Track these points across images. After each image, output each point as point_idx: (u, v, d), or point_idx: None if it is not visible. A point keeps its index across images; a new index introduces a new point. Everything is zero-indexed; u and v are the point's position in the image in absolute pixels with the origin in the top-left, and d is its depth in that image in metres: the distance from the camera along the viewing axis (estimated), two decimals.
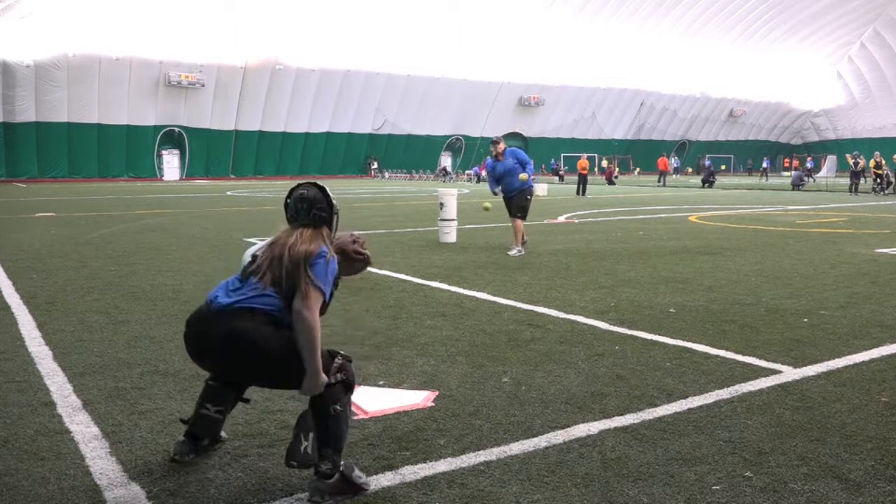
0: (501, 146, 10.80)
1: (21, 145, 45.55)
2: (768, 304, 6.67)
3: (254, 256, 3.15)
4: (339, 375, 3.00)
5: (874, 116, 72.48)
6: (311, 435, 2.90)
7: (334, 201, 3.20)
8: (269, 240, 3.17)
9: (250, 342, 2.89)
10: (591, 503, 2.84)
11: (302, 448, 2.88)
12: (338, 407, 2.96)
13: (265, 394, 4.10)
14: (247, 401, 3.40)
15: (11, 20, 41.84)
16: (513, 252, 10.23)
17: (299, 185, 3.21)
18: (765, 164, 59.15)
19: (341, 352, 3.11)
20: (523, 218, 10.53)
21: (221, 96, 51.57)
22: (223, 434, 3.42)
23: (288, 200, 3.19)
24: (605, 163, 50.05)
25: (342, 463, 2.93)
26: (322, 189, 3.18)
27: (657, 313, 6.28)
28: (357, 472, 2.96)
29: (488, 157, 10.77)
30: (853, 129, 75.01)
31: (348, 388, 3.03)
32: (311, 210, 3.12)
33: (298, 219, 3.12)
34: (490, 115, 62.93)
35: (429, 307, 6.58)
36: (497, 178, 10.75)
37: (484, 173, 48.84)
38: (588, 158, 32.60)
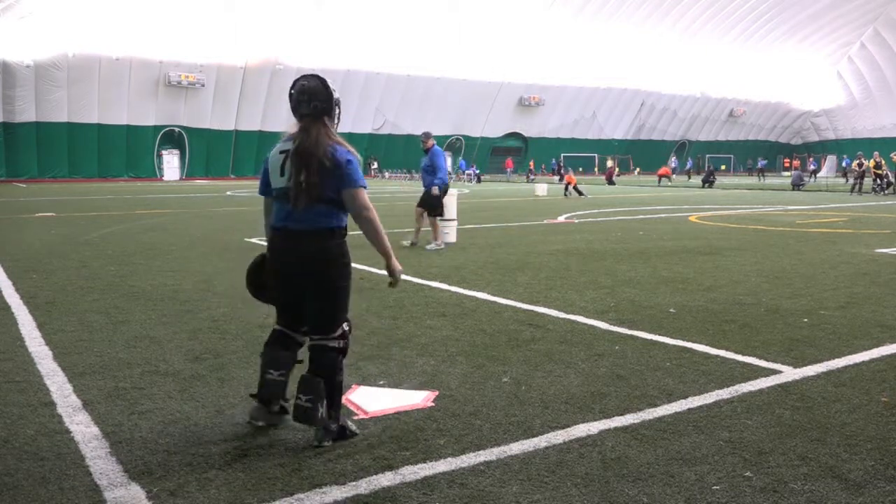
0: (429, 143, 11.34)
1: (21, 145, 45.49)
2: (768, 304, 6.67)
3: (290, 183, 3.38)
4: (341, 342, 3.47)
5: (874, 116, 72.42)
6: (324, 402, 3.36)
7: (335, 93, 3.45)
8: (285, 155, 3.42)
9: (335, 265, 3.47)
10: (591, 503, 2.84)
11: (319, 415, 3.34)
12: (341, 378, 3.49)
13: None
14: (300, 361, 3.66)
15: (11, 20, 41.81)
16: (430, 246, 11.03)
17: (302, 77, 3.48)
18: (760, 164, 58.80)
19: (349, 319, 3.55)
20: (430, 213, 11.19)
21: (221, 96, 51.53)
22: (288, 406, 3.63)
23: (291, 91, 3.44)
24: (609, 162, 49.97)
25: (341, 417, 3.48)
26: (322, 80, 3.44)
27: (657, 313, 6.28)
28: (350, 422, 3.54)
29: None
30: (853, 129, 74.96)
31: (345, 355, 3.53)
32: (311, 101, 3.39)
33: (300, 109, 3.41)
34: (490, 115, 62.94)
35: (429, 307, 6.58)
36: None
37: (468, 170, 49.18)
38: (576, 173, 32.97)
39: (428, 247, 11.03)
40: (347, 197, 3.37)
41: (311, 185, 3.30)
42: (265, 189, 3.56)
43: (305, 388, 3.36)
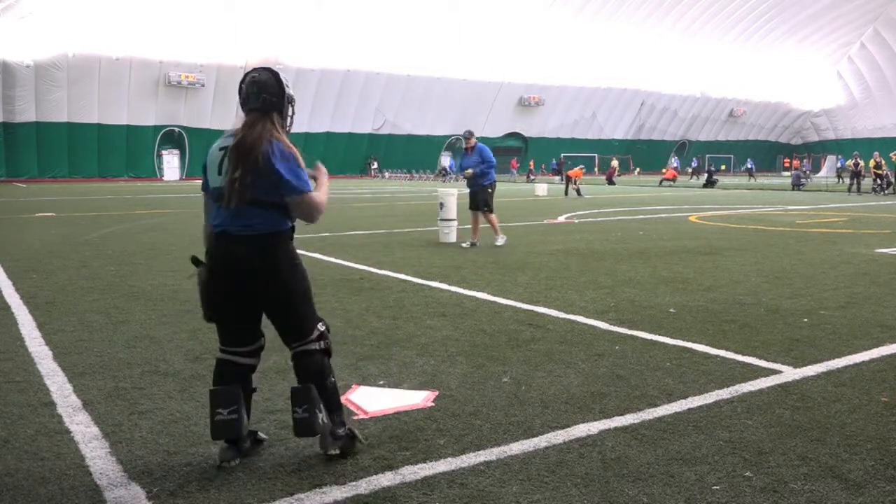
0: (472, 141, 11.45)
1: (21, 145, 45.49)
2: (768, 304, 6.67)
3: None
4: (321, 343, 3.29)
5: (874, 116, 72.41)
6: (322, 407, 3.18)
7: (287, 88, 3.19)
8: (225, 150, 3.15)
9: (282, 271, 3.18)
10: (591, 503, 2.84)
11: (320, 421, 3.15)
12: (332, 379, 3.32)
13: (265, 394, 4.10)
14: (254, 389, 3.42)
15: (11, 20, 41.81)
16: (499, 241, 11.21)
17: (254, 69, 3.22)
18: (749, 164, 58.64)
19: (322, 319, 3.38)
20: (490, 211, 11.35)
21: (221, 96, 51.49)
22: (261, 434, 3.44)
23: (241, 85, 3.19)
24: (615, 162, 50.06)
25: (348, 422, 3.33)
26: (275, 74, 3.18)
27: (657, 313, 6.28)
28: (356, 429, 3.36)
29: (462, 148, 11.59)
30: (853, 129, 74.96)
31: (329, 356, 3.34)
32: (260, 94, 3.12)
33: (249, 103, 3.14)
34: (490, 115, 62.93)
35: (429, 307, 6.58)
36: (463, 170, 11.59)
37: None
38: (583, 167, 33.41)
39: (498, 242, 11.15)
40: (293, 204, 3.11)
41: (244, 185, 3.01)
42: (206, 186, 3.31)
43: (298, 398, 3.15)
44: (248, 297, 3.20)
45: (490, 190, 11.32)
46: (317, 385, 3.19)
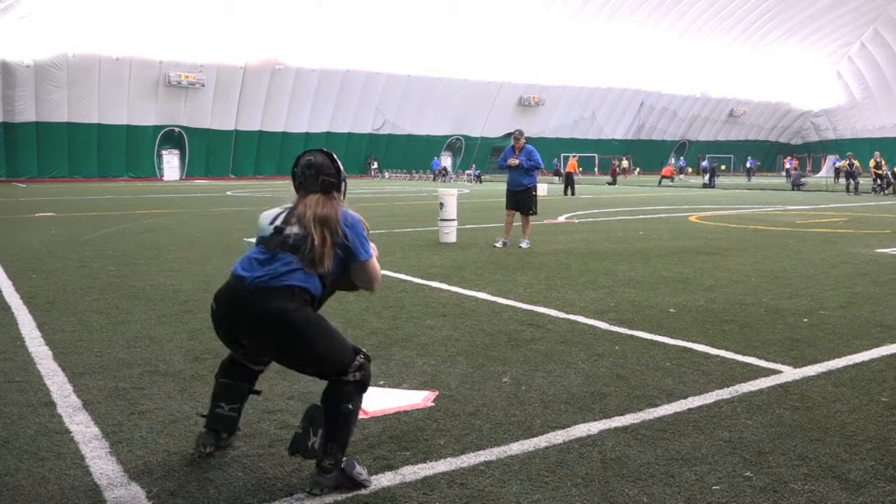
0: (522, 141, 11.41)
1: (21, 145, 45.54)
2: (768, 304, 6.67)
3: (277, 229, 3.05)
4: (357, 374, 3.00)
5: (874, 116, 72.47)
6: (319, 431, 2.91)
7: (342, 167, 3.22)
8: (285, 209, 3.12)
9: (290, 321, 2.88)
10: (591, 503, 2.84)
11: (310, 443, 2.89)
12: (350, 406, 2.97)
13: (265, 394, 4.10)
14: (258, 392, 3.38)
15: (11, 20, 41.83)
16: (525, 244, 11.13)
17: (306, 152, 3.22)
18: (749, 164, 58.75)
19: (363, 350, 3.11)
20: (535, 213, 11.45)
21: (221, 96, 51.56)
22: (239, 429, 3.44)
23: (295, 169, 3.19)
24: (625, 163, 50.10)
25: (344, 459, 2.94)
26: (329, 155, 3.20)
27: (657, 313, 6.28)
28: (358, 469, 2.97)
29: (509, 147, 11.78)
30: (853, 129, 75.01)
31: (363, 388, 3.04)
32: (319, 176, 3.12)
33: (306, 185, 3.13)
34: (490, 115, 62.96)
35: (429, 307, 6.58)
36: (507, 168, 11.54)
37: (475, 171, 49.44)
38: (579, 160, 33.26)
39: (523, 245, 11.08)
40: (355, 270, 3.13)
41: (327, 245, 2.98)
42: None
43: (305, 415, 2.97)
44: (256, 341, 3.01)
45: (534, 193, 11.38)
46: (327, 408, 2.95)
